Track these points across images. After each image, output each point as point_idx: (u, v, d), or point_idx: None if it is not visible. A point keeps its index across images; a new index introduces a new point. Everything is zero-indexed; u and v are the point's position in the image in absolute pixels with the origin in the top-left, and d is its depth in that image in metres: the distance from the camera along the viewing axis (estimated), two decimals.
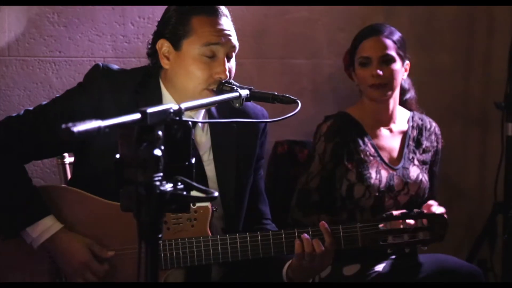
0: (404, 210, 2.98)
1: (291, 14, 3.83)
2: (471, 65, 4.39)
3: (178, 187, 1.87)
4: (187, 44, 2.61)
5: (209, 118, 2.74)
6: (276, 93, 2.50)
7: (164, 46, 2.64)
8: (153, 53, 2.68)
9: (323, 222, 2.64)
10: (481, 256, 4.15)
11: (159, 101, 2.66)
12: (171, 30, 2.62)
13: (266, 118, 2.87)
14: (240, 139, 2.77)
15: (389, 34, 3.29)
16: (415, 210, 2.68)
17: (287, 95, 2.48)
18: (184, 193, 1.86)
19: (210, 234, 2.61)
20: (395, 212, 2.74)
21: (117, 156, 1.81)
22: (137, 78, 2.69)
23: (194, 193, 1.90)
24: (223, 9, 2.67)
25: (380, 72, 3.24)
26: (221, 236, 2.61)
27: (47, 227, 2.57)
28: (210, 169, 2.73)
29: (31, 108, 2.69)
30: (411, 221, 2.70)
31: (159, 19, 2.70)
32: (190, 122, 1.97)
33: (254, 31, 3.75)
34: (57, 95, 2.71)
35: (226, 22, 2.66)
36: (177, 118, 1.92)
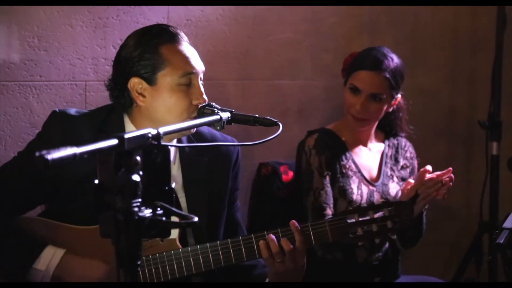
0: (370, 202, 2.98)
1: (275, 36, 3.82)
2: (455, 84, 4.39)
3: (157, 212, 1.85)
4: (162, 76, 2.59)
5: (180, 153, 2.72)
6: (257, 115, 2.49)
7: (136, 84, 2.60)
8: (118, 93, 2.64)
9: (294, 221, 2.61)
10: (468, 276, 4.12)
11: None
12: (142, 66, 2.58)
13: (238, 149, 2.85)
14: (212, 173, 2.75)
15: (386, 70, 3.25)
16: (380, 200, 2.66)
17: (268, 117, 2.47)
18: (164, 218, 1.84)
19: (180, 247, 2.59)
20: None
21: (96, 181, 1.79)
22: (99, 118, 2.66)
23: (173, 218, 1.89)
24: (181, 33, 2.66)
25: (364, 109, 3.25)
26: (191, 247, 2.59)
27: (51, 255, 2.52)
28: (181, 201, 2.71)
29: None
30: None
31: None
32: (169, 146, 1.97)
33: (238, 53, 3.74)
34: (19, 150, 2.70)
35: (190, 47, 2.66)
36: (155, 142, 1.91)
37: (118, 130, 2.63)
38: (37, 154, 1.55)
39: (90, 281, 2.51)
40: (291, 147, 3.58)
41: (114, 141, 1.78)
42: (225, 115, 2.45)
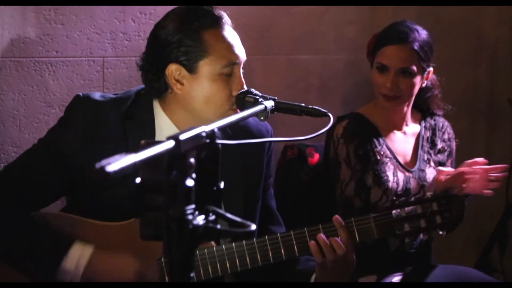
0: (418, 195, 2.84)
1: (297, 8, 3.63)
2: (479, 57, 4.24)
3: (210, 218, 1.70)
4: (203, 65, 2.39)
5: None
6: (303, 104, 2.31)
7: (175, 70, 2.40)
8: (153, 77, 2.44)
9: (337, 216, 2.46)
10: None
11: (151, 126, 2.46)
12: (182, 53, 2.38)
13: (271, 134, 2.69)
14: (246, 161, 2.58)
15: (413, 42, 3.08)
16: (429, 194, 2.52)
17: (316, 107, 2.29)
18: (218, 226, 1.69)
19: (214, 245, 2.42)
20: None
21: (138, 180, 1.62)
22: (126, 103, 2.48)
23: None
24: (225, 15, 2.47)
25: (394, 85, 3.09)
26: (226, 246, 2.42)
27: (79, 253, 2.34)
28: None
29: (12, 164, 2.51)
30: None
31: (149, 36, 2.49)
32: (220, 145, 1.82)
33: (260, 26, 3.55)
34: (40, 138, 2.50)
35: (233, 32, 2.47)
36: (208, 140, 1.76)
37: (147, 117, 2.47)
38: (97, 166, 1.37)
39: (121, 281, 2.34)
40: (314, 127, 3.40)
41: (170, 144, 1.61)
42: (269, 103, 2.26)
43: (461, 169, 2.95)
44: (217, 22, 2.42)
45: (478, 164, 2.92)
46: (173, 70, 2.40)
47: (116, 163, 1.42)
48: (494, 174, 2.92)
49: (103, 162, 1.39)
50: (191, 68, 2.39)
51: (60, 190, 2.49)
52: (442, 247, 4.08)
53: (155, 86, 2.44)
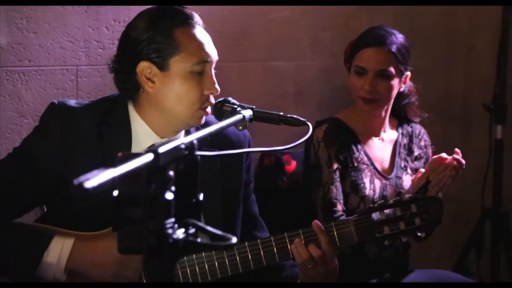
0: (397, 198, 2.84)
1: (273, 14, 3.61)
2: (453, 63, 4.25)
3: (190, 232, 1.67)
4: (175, 62, 2.37)
5: None
6: (282, 113, 2.29)
7: (146, 68, 2.37)
8: (125, 77, 2.42)
9: (316, 221, 2.45)
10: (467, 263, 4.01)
11: (128, 131, 2.44)
12: (153, 50, 2.36)
13: (249, 140, 2.67)
14: (225, 167, 2.55)
15: (391, 45, 3.08)
16: (407, 196, 2.52)
17: (295, 116, 2.27)
18: (198, 240, 1.66)
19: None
20: None
21: (115, 193, 1.59)
22: (101, 109, 2.45)
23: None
24: (196, 15, 2.45)
25: (373, 88, 3.08)
26: (206, 253, 2.40)
27: (61, 245, 2.30)
28: None
29: None
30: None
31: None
32: (199, 156, 1.78)
33: (235, 33, 3.53)
34: (15, 147, 2.45)
35: (204, 32, 2.45)
36: (187, 152, 1.73)
37: (123, 122, 2.44)
38: (75, 182, 1.33)
39: (107, 266, 2.31)
40: (292, 134, 3.38)
41: (149, 157, 1.57)
42: (247, 113, 2.24)
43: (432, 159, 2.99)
44: (189, 21, 2.40)
45: (444, 159, 2.95)
46: (144, 67, 2.37)
47: (95, 179, 1.38)
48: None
49: (81, 178, 1.35)
50: (162, 66, 2.37)
51: (36, 199, 2.45)
52: (419, 253, 4.07)
53: (127, 87, 2.42)
